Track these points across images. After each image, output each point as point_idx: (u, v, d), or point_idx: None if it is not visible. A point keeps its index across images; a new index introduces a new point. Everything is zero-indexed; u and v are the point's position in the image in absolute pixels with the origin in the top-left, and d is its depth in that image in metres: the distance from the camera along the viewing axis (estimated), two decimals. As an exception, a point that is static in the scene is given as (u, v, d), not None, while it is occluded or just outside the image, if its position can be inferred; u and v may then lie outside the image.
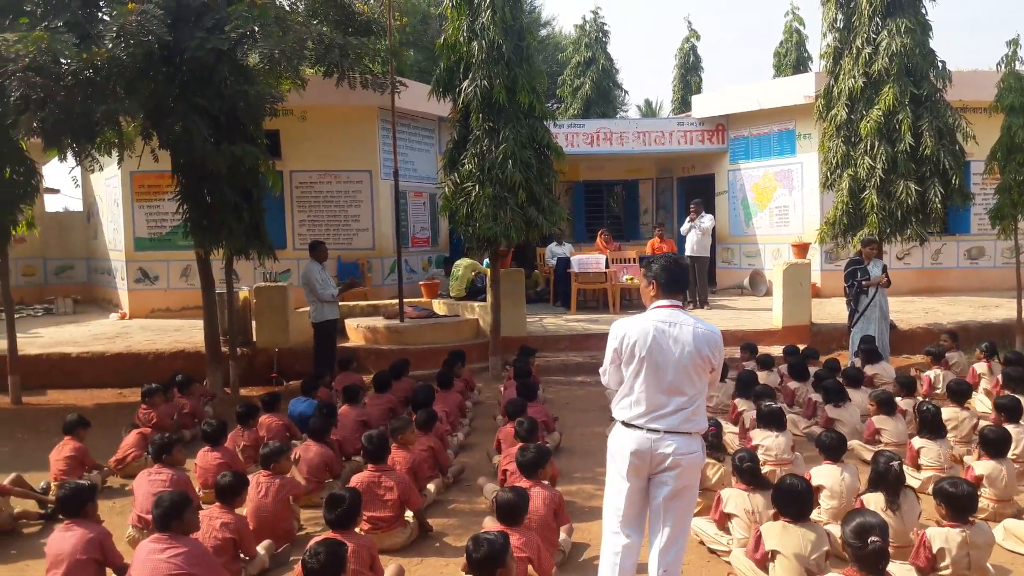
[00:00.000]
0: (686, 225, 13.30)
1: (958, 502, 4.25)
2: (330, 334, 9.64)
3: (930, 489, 4.96)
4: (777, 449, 5.83)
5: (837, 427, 6.52)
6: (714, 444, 5.50)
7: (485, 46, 9.08)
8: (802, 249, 13.57)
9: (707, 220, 13.29)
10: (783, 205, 14.95)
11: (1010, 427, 5.89)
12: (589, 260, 13.14)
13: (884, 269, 9.55)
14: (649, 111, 32.84)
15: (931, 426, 5.92)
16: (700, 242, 13.19)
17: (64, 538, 4.25)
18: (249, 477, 5.15)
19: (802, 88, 14.05)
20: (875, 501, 4.55)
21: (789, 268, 11.05)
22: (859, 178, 10.46)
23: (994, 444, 5.34)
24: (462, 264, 12.88)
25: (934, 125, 10.06)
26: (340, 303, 10.15)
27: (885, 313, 9.61)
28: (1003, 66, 9.86)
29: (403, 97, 11.25)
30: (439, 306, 12.40)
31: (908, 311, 12.08)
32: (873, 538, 3.45)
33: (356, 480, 5.13)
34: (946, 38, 39.96)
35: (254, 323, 10.59)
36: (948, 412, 6.46)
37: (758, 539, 4.29)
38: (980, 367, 8.35)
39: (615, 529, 3.82)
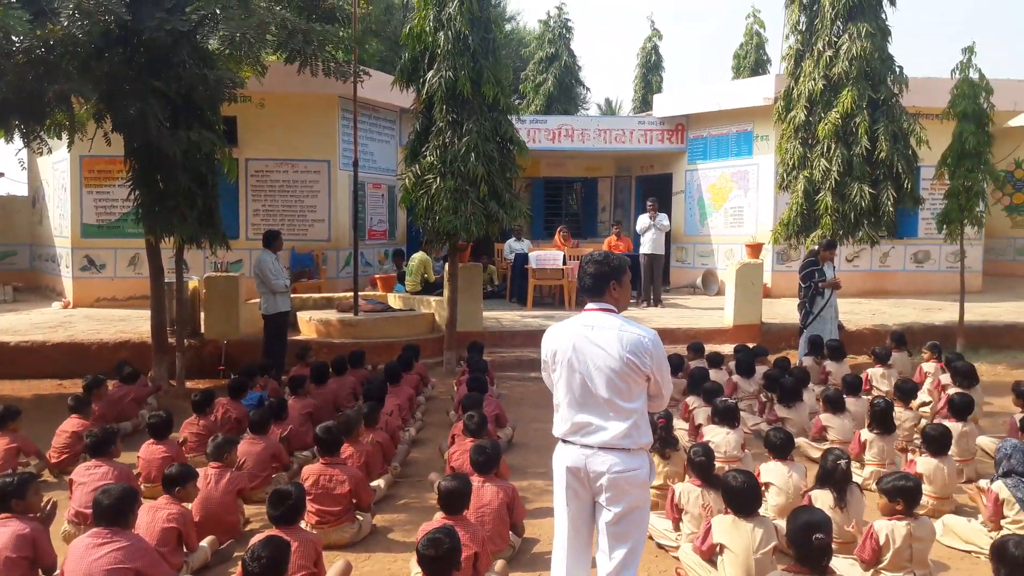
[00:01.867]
0: (645, 221, 13.34)
1: (911, 496, 4.26)
2: (281, 326, 9.46)
3: (873, 484, 5.06)
4: (727, 446, 5.88)
5: (786, 425, 6.62)
6: (664, 438, 5.52)
7: (451, 36, 9.03)
8: (755, 249, 13.71)
9: (665, 219, 13.42)
10: (738, 206, 15.12)
11: (956, 424, 6.05)
12: (547, 256, 13.16)
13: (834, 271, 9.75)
14: (609, 109, 33.05)
15: (882, 421, 6.03)
16: (657, 240, 13.29)
17: (-4, 534, 4.07)
18: (198, 470, 5.04)
19: (761, 90, 14.20)
20: (823, 498, 4.60)
21: (742, 268, 11.16)
22: (814, 180, 10.62)
23: (936, 442, 5.47)
24: (416, 258, 12.79)
25: (889, 129, 10.25)
26: (293, 295, 9.99)
27: (837, 314, 9.81)
28: (957, 73, 10.05)
29: (365, 87, 11.09)
30: (394, 300, 12.29)
31: (856, 312, 12.30)
32: (817, 535, 3.50)
33: (307, 472, 5.05)
34: (899, 44, 40.83)
35: (203, 314, 10.35)
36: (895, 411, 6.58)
37: (707, 531, 4.33)
38: (928, 367, 8.48)
39: (560, 566, 3.48)
